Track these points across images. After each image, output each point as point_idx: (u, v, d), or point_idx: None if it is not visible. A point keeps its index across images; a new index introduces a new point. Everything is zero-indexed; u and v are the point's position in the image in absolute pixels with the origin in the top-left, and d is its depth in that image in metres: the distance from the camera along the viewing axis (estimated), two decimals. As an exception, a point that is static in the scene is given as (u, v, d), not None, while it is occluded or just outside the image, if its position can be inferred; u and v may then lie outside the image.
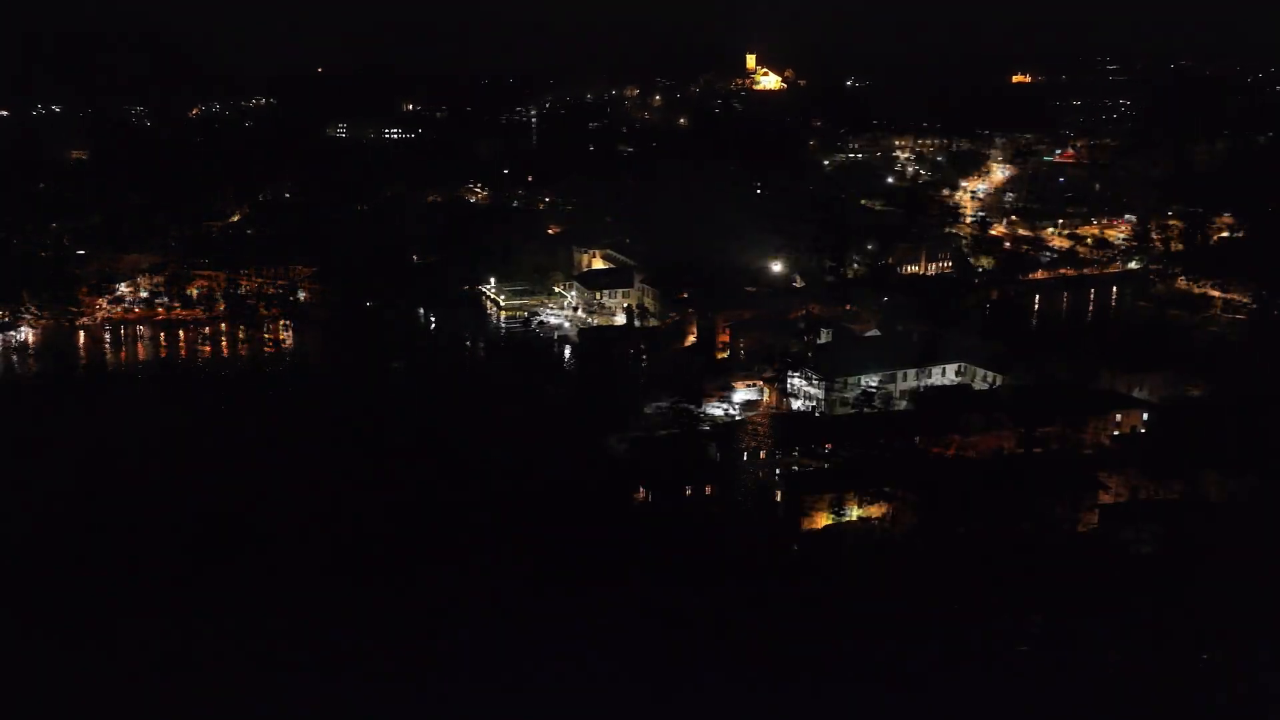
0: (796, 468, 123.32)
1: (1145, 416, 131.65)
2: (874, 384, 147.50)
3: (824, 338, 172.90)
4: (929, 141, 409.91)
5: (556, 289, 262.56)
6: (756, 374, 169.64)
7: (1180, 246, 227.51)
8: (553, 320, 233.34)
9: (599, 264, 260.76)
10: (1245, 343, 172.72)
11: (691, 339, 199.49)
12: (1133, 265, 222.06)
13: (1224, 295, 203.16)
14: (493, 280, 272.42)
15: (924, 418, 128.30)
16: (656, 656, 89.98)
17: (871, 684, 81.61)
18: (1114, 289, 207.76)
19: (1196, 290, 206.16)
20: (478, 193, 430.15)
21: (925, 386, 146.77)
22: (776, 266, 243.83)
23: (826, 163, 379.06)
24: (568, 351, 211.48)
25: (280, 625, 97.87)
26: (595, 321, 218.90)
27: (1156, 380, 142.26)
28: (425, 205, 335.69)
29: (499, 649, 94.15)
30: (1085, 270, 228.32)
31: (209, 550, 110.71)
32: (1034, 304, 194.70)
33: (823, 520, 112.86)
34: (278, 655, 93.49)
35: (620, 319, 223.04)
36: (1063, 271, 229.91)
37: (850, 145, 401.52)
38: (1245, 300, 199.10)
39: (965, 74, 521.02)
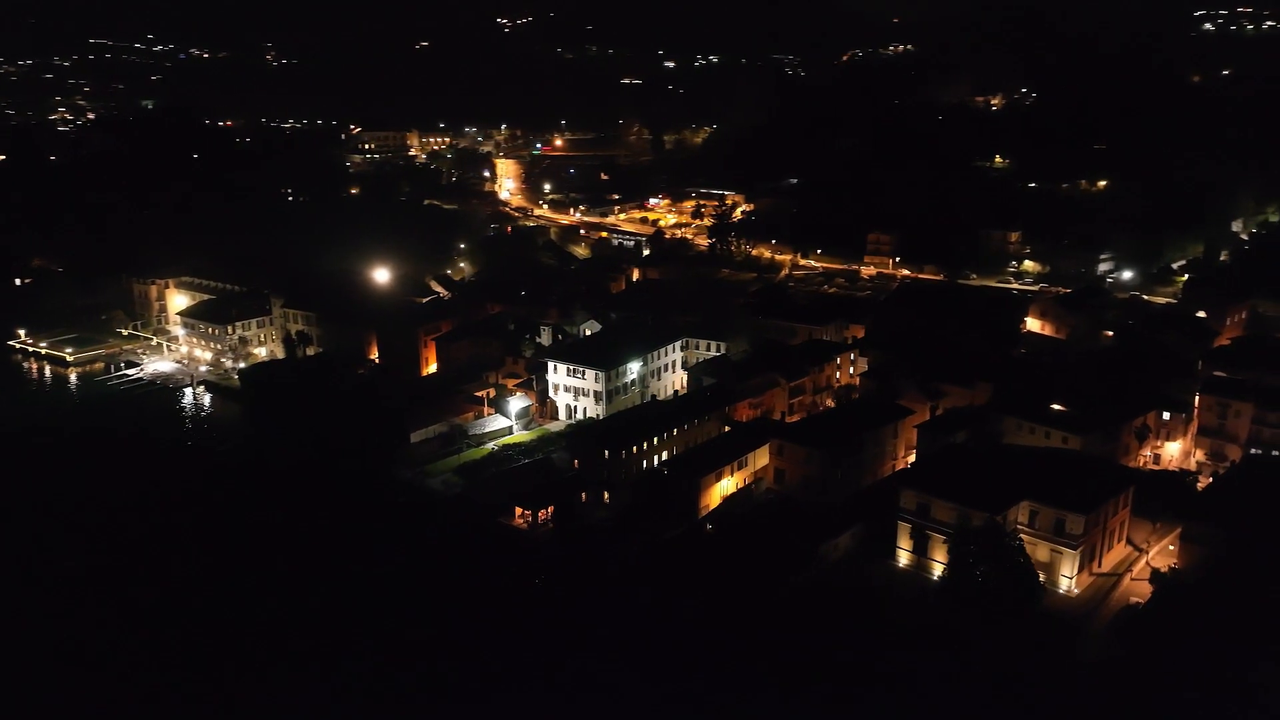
0: (656, 458, 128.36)
1: (854, 355, 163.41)
2: (635, 371, 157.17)
3: (543, 338, 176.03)
4: (434, 139, 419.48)
5: (126, 331, 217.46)
6: (489, 384, 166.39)
7: (738, 217, 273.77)
8: (164, 368, 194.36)
9: (179, 295, 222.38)
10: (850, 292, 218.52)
11: (373, 359, 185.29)
12: (703, 239, 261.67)
13: (782, 256, 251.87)
14: (22, 332, 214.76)
15: (724, 390, 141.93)
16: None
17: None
18: (713, 259, 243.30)
19: (768, 254, 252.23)
20: None
21: (698, 361, 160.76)
22: (383, 276, 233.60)
23: (349, 164, 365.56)
24: (207, 400, 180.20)
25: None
26: (238, 363, 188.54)
27: (832, 328, 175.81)
28: None
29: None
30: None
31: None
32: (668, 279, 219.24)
33: (716, 498, 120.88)
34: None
35: (262, 352, 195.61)
36: (646, 252, 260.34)
37: (365, 144, 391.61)
38: (798, 259, 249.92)
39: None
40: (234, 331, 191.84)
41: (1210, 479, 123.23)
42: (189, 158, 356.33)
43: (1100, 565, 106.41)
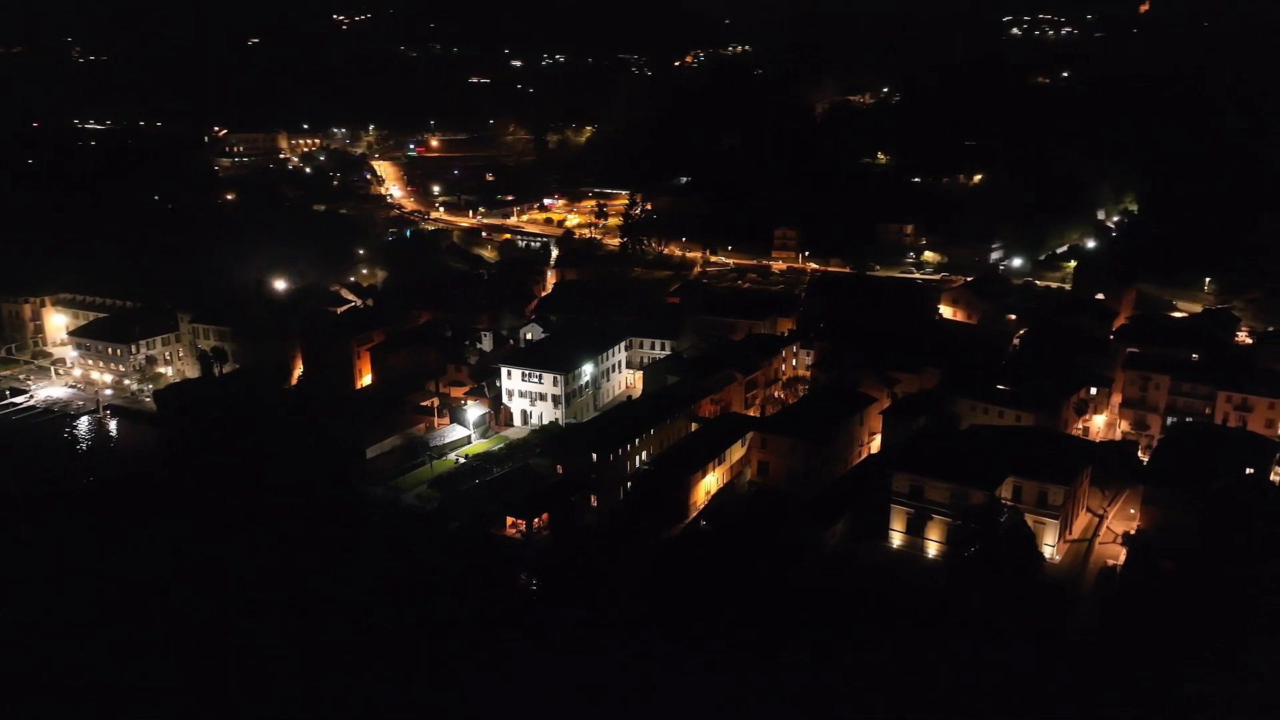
0: (638, 458, 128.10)
1: (796, 347, 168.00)
2: (589, 373, 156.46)
3: (484, 344, 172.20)
4: (303, 141, 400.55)
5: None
6: (433, 393, 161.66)
7: (641, 216, 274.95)
8: (57, 394, 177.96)
9: (58, 314, 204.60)
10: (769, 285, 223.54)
11: (299, 372, 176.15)
12: (611, 239, 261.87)
13: (692, 254, 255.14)
14: None
15: (690, 388, 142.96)
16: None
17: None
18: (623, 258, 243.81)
19: (679, 252, 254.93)
20: None
21: (653, 360, 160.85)
22: (282, 285, 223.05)
23: (218, 168, 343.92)
24: (114, 425, 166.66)
25: None
26: (145, 384, 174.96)
27: (769, 322, 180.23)
28: None
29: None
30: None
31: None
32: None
33: (702, 495, 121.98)
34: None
35: (169, 372, 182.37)
36: (555, 253, 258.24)
37: (234, 147, 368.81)
38: (708, 255, 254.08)
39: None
40: (139, 351, 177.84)
41: (1149, 447, 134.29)
42: (24, 163, 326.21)
43: (1071, 532, 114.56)
